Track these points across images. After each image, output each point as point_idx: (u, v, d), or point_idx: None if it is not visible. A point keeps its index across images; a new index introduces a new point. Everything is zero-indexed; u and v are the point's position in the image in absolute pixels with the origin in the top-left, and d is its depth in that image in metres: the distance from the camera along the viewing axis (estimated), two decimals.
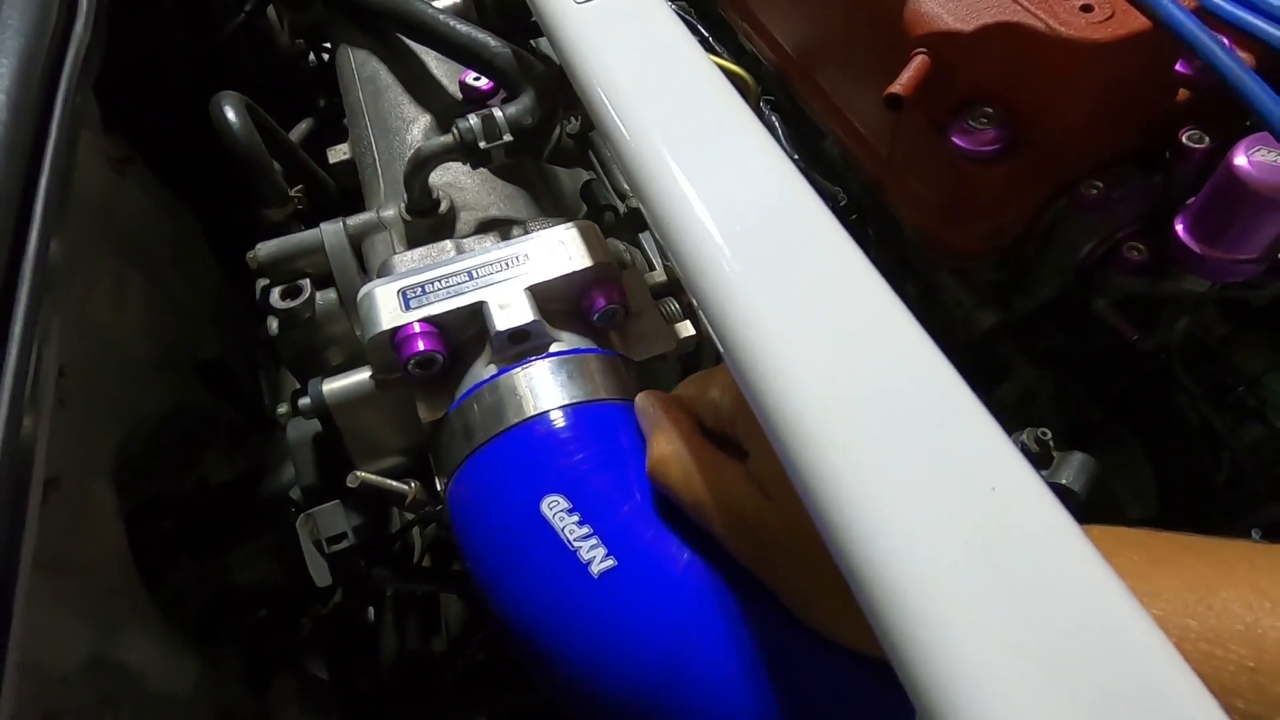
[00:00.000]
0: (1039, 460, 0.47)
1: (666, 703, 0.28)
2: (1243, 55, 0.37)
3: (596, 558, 0.30)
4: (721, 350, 0.24)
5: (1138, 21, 0.38)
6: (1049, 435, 0.46)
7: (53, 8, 0.25)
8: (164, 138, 0.66)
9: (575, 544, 0.30)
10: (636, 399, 0.34)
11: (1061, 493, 0.46)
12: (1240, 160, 0.37)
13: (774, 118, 0.60)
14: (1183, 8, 0.37)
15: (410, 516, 0.49)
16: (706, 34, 0.63)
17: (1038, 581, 0.17)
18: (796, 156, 0.59)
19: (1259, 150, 0.36)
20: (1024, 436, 0.47)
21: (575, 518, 0.31)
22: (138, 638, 0.45)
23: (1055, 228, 0.45)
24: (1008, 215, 0.46)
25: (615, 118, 0.30)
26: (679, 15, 0.60)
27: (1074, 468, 0.46)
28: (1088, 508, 0.47)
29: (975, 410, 0.20)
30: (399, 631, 0.68)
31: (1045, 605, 0.16)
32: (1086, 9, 0.39)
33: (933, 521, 0.18)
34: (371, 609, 0.72)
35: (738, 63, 0.64)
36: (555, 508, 0.31)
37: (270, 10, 0.77)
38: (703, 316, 0.25)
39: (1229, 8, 0.38)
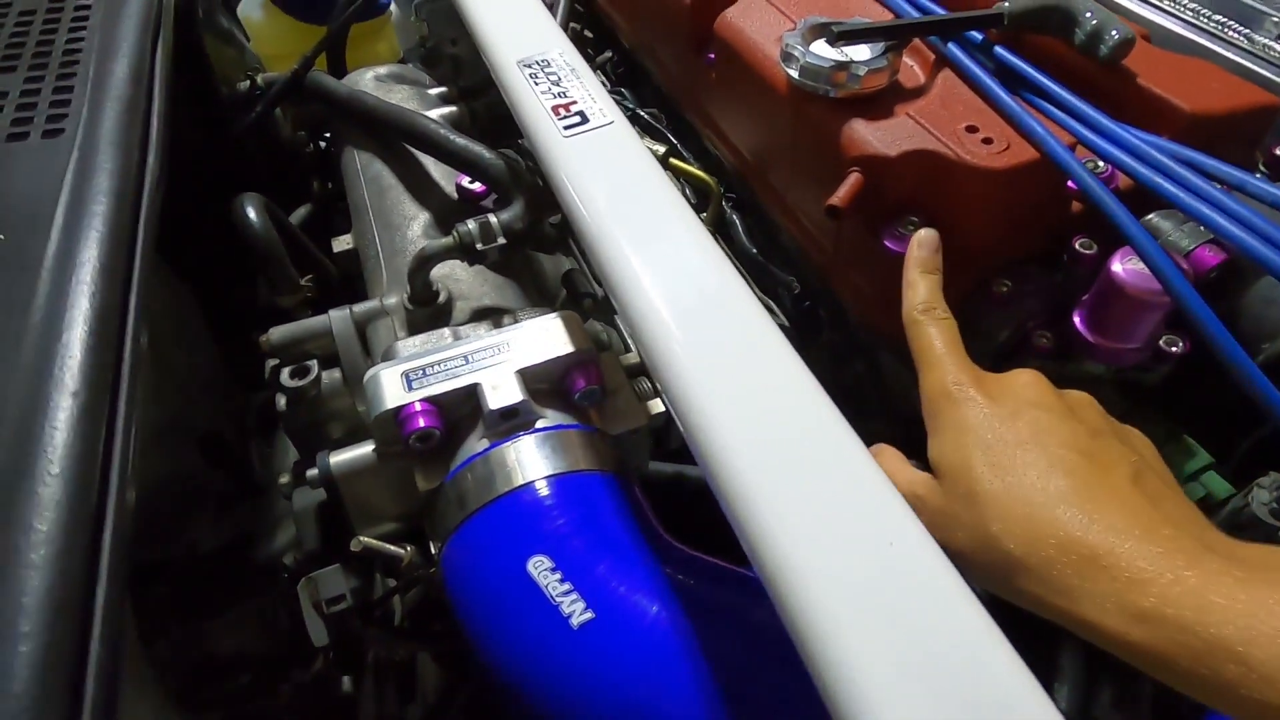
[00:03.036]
0: None
1: None
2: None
3: (576, 611, 0.34)
4: (680, 426, 0.29)
5: (1028, 153, 0.46)
6: None
7: (134, 149, 0.30)
8: (171, 221, 0.71)
9: (558, 599, 0.34)
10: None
11: None
12: (1116, 267, 0.44)
13: (734, 214, 0.67)
14: (1062, 144, 0.45)
15: (393, 583, 0.52)
16: (675, 141, 0.71)
17: (924, 619, 0.22)
18: (755, 249, 0.66)
19: (1130, 259, 0.44)
20: None
21: (558, 575, 0.35)
22: (132, 702, 0.47)
23: (974, 318, 0.52)
24: None
25: (592, 230, 0.36)
26: (651, 124, 0.68)
27: None
28: None
29: (880, 479, 0.25)
30: (378, 699, 0.69)
31: (928, 636, 0.21)
32: (988, 141, 0.47)
33: (848, 570, 0.23)
34: (347, 679, 0.73)
35: (703, 162, 0.72)
36: (540, 567, 0.35)
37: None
38: (658, 387, 0.30)
39: (1101, 144, 0.46)
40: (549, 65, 0.44)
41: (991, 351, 0.53)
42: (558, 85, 0.43)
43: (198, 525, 0.65)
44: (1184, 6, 0.83)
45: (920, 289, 0.40)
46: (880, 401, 0.63)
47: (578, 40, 0.88)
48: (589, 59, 0.88)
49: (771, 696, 0.32)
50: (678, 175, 0.67)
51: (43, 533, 0.20)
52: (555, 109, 0.41)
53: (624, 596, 0.34)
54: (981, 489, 0.28)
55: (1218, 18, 0.81)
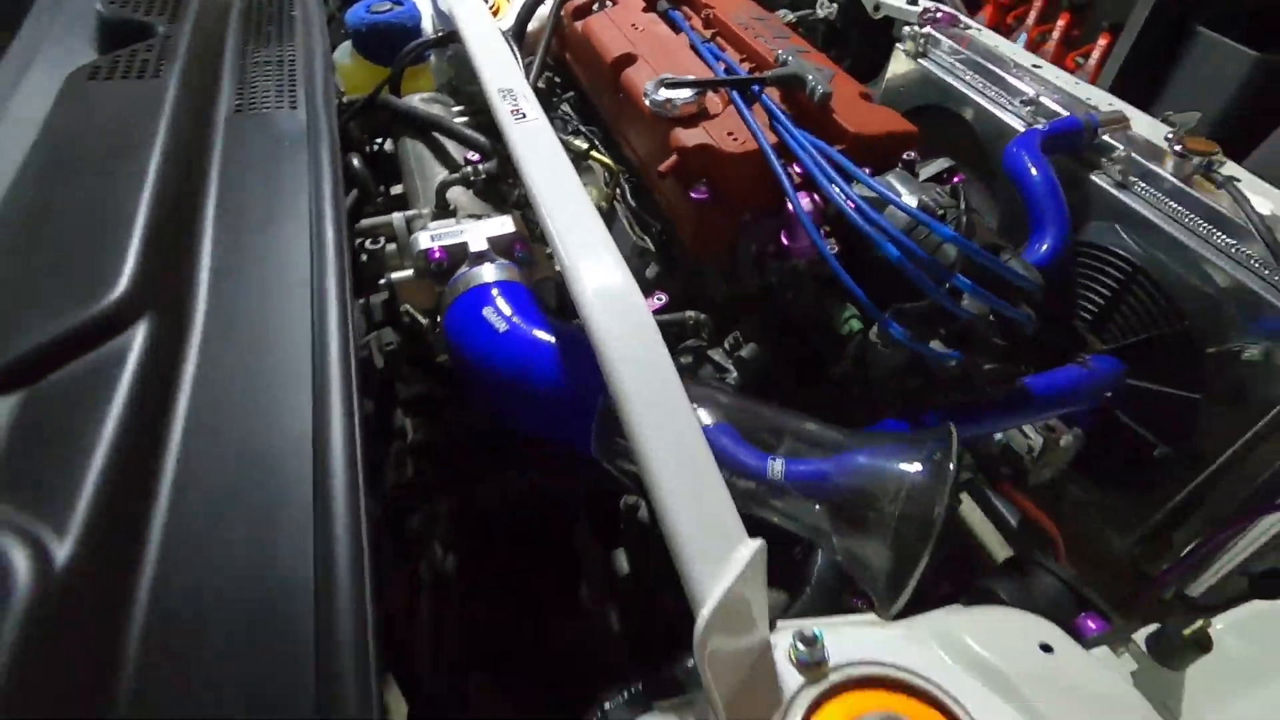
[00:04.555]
0: (732, 346, 0.94)
1: (532, 384, 0.74)
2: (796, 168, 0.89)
3: (500, 327, 0.77)
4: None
5: (752, 145, 0.90)
6: (740, 336, 0.94)
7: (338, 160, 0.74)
8: None
9: (492, 322, 0.77)
10: None
11: (741, 362, 0.93)
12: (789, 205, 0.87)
13: (627, 186, 1.12)
14: (768, 141, 0.89)
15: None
16: (596, 142, 1.16)
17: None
18: (637, 206, 1.10)
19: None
20: (728, 339, 0.95)
21: (494, 315, 0.78)
22: None
23: (737, 240, 0.95)
24: (722, 233, 0.96)
25: (534, 189, 0.79)
26: (586, 133, 1.14)
27: (749, 351, 0.93)
28: (762, 376, 0.94)
29: (696, 430, 0.68)
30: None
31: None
32: (733, 136, 0.91)
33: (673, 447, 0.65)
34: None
35: (615, 154, 1.17)
36: (487, 310, 0.78)
37: None
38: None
39: (790, 143, 0.89)
40: (512, 91, 0.88)
41: (751, 259, 0.96)
42: (515, 102, 0.87)
43: None
44: (970, 76, 1.29)
45: None
46: (706, 300, 1.06)
47: (549, 84, 1.35)
48: (558, 96, 1.34)
49: (592, 380, 0.74)
50: (598, 163, 1.11)
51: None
52: (512, 110, 0.85)
53: (521, 323, 0.77)
54: None
55: (981, 80, 1.27)
